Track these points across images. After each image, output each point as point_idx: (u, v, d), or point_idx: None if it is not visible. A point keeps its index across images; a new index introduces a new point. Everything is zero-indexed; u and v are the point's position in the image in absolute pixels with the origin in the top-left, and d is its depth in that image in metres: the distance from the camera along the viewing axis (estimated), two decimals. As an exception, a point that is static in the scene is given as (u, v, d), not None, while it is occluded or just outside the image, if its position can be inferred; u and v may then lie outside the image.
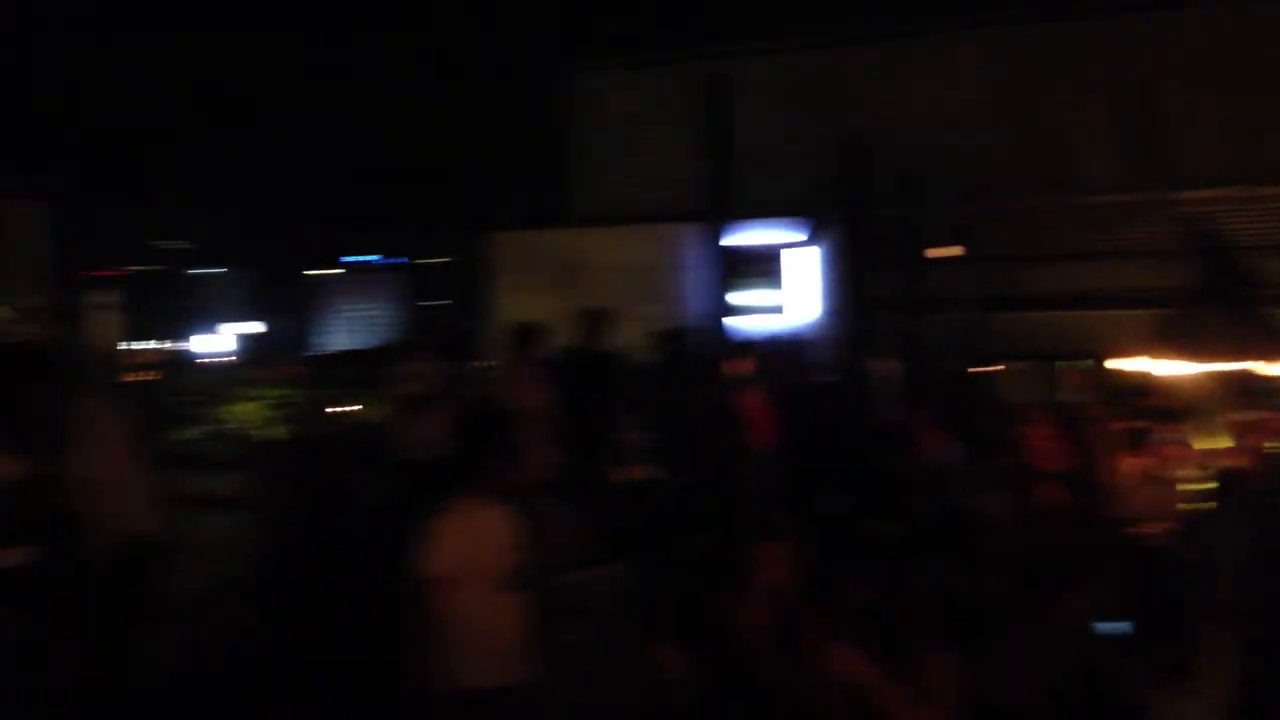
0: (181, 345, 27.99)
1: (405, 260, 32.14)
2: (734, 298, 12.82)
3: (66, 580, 5.29)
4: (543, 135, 17.79)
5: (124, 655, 5.35)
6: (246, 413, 13.07)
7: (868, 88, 14.35)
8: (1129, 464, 7.38)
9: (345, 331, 30.79)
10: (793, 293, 13.11)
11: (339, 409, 12.58)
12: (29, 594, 5.10)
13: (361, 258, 32.49)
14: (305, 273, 32.40)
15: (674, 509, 7.09)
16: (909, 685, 3.90)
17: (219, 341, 29.03)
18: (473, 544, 4.16)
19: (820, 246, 13.09)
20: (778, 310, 13.14)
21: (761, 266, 13.18)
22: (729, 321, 12.69)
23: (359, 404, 12.27)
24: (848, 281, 10.66)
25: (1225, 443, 7.60)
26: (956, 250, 12.93)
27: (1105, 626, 5.38)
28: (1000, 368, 12.82)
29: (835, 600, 4.15)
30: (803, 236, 13.12)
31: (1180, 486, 7.32)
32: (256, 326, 30.95)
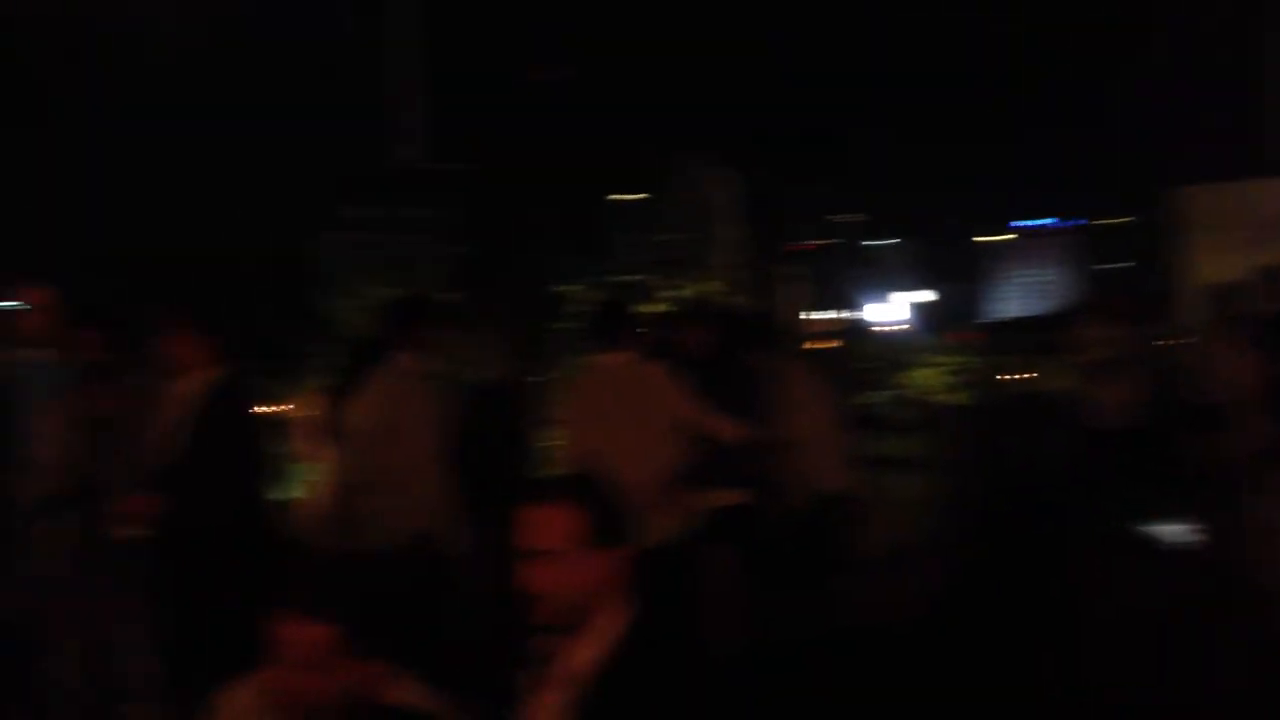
0: (857, 314, 29.34)
1: (1082, 222, 30.92)
2: None
3: (770, 527, 5.94)
4: (1235, 75, 16.06)
5: (815, 601, 5.88)
6: (926, 378, 13.55)
7: None
8: None
9: (1018, 298, 30.44)
10: None
11: (1013, 376, 12.56)
12: (743, 533, 5.81)
13: (1034, 221, 31.85)
14: (976, 239, 32.50)
15: None
16: None
17: (892, 310, 29.99)
18: None
19: None
20: None
21: None
22: None
23: (1036, 371, 12.13)
24: None
25: None
26: None
27: None
28: None
29: None
30: None
31: None
32: (927, 295, 31.58)
